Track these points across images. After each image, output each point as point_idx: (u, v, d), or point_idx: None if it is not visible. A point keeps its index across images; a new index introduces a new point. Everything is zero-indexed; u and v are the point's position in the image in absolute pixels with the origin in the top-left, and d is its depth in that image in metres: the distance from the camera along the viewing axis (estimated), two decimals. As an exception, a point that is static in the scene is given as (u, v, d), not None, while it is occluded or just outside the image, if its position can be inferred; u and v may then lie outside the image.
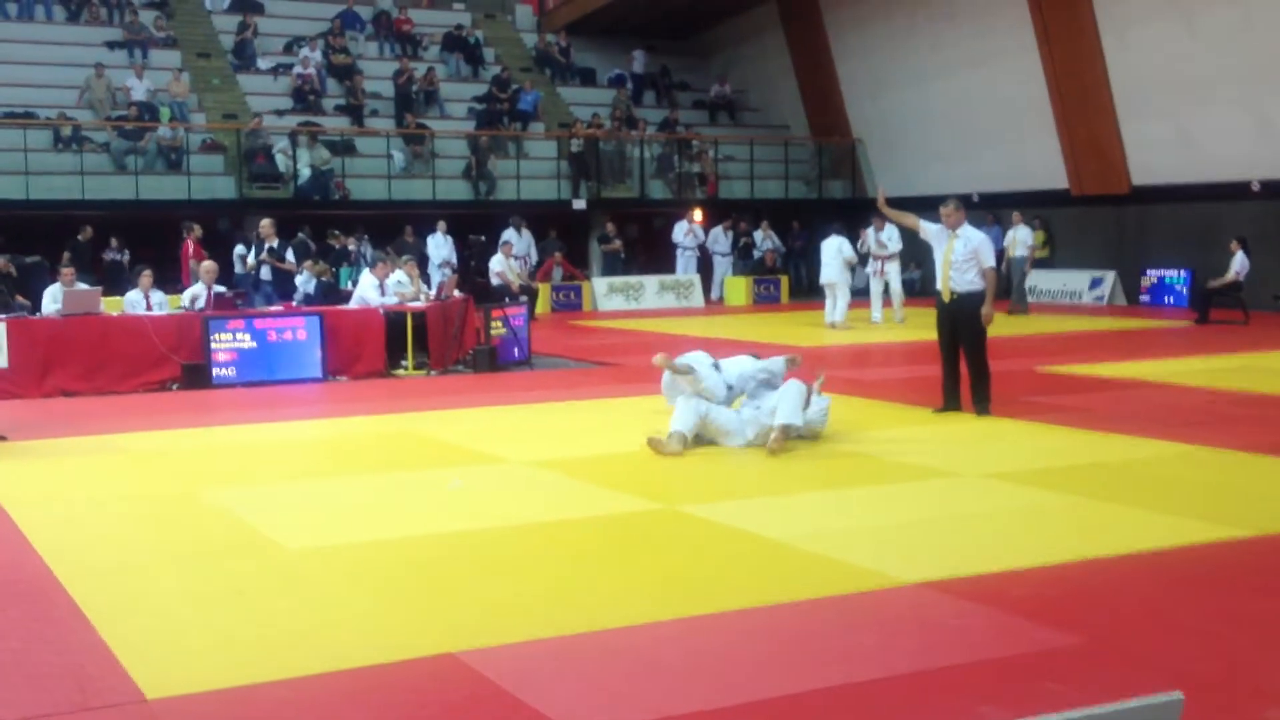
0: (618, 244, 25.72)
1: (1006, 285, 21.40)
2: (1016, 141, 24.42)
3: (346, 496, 7.68)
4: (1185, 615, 5.17)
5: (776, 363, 9.36)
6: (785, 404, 8.76)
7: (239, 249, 18.80)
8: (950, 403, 10.44)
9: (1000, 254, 21.27)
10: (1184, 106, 21.53)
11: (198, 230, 19.55)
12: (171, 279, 16.99)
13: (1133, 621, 5.09)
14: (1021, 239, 21.42)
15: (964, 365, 10.37)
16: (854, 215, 24.21)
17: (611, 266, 25.61)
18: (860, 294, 20.38)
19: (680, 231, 25.75)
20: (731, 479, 8.04)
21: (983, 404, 10.28)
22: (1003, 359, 14.12)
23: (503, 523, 6.85)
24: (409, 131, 24.92)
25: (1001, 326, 18.71)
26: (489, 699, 4.28)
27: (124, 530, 6.91)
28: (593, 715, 4.13)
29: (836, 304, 18.93)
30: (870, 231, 19.47)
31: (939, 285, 10.37)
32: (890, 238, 19.17)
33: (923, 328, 17.53)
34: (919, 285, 23.01)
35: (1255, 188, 20.83)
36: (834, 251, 18.93)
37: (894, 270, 19.58)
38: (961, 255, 10.17)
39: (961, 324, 10.28)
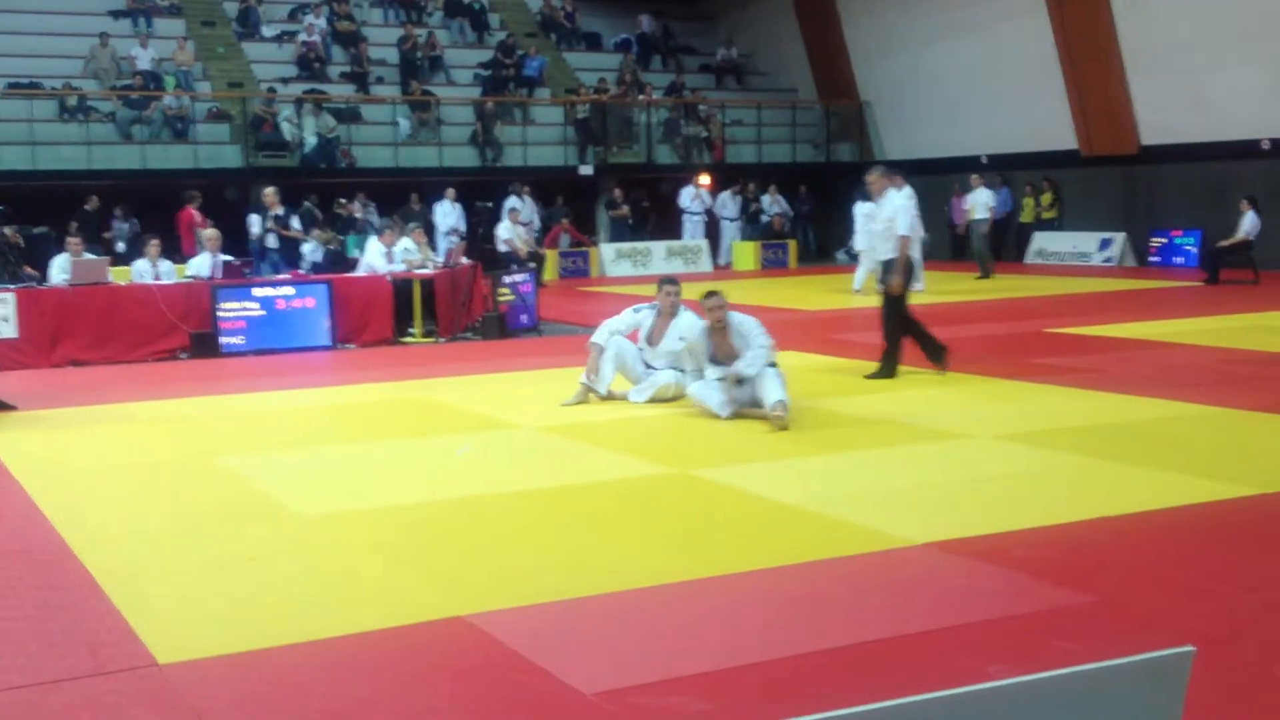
0: (625, 209, 25.65)
1: (997, 246, 21.22)
2: (1025, 102, 24.25)
3: (357, 462, 7.70)
4: (1196, 573, 5.17)
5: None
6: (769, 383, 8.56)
7: (253, 218, 18.74)
8: (934, 357, 10.31)
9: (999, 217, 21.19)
10: (1193, 65, 21.36)
11: (198, 198, 19.51)
12: (171, 249, 16.95)
13: (1144, 580, 5.09)
14: (981, 201, 21.26)
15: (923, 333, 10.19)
16: (863, 179, 24.05)
17: (619, 232, 25.55)
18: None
19: (687, 196, 25.67)
20: (744, 444, 8.03)
21: (889, 367, 10.13)
22: (1012, 321, 14.10)
23: (513, 487, 6.86)
24: (414, 98, 24.82)
25: (996, 289, 18.71)
26: (500, 661, 4.30)
27: (135, 497, 6.93)
28: (603, 677, 4.14)
29: (863, 270, 18.71)
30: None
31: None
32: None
33: (949, 293, 17.51)
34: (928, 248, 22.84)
35: (1265, 146, 20.69)
36: (866, 218, 18.70)
37: None
38: (881, 224, 10.04)
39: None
